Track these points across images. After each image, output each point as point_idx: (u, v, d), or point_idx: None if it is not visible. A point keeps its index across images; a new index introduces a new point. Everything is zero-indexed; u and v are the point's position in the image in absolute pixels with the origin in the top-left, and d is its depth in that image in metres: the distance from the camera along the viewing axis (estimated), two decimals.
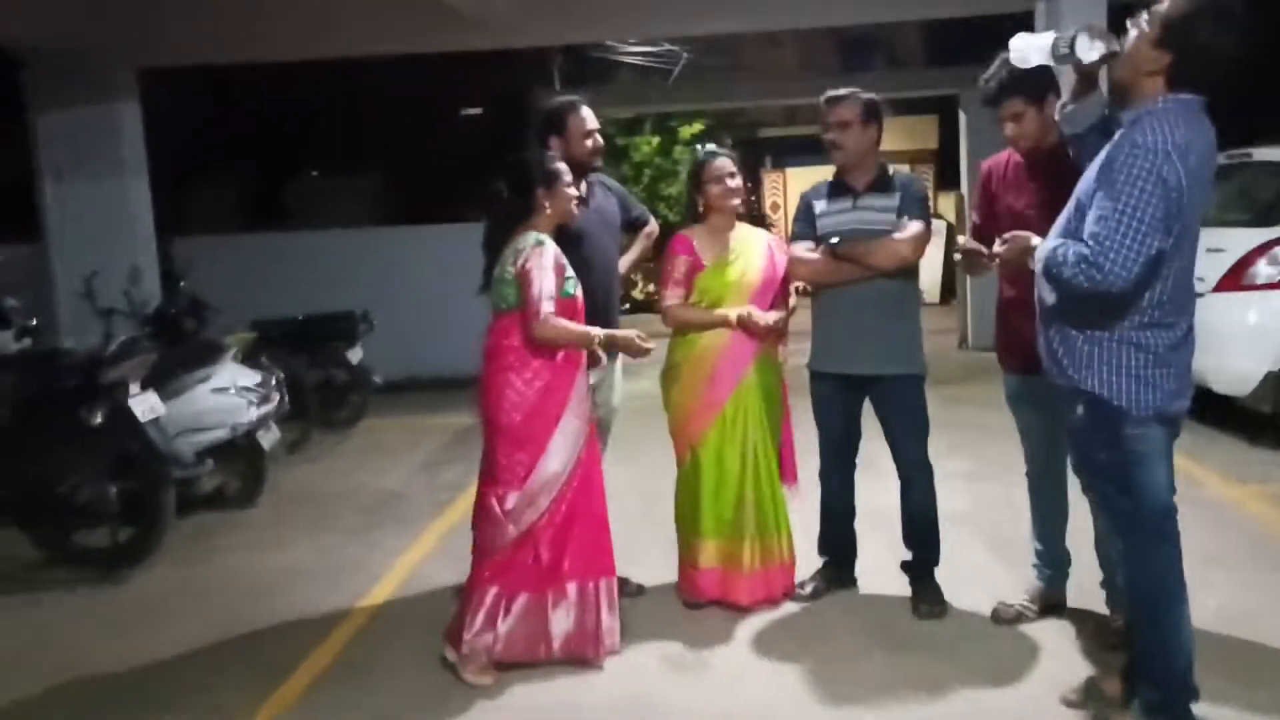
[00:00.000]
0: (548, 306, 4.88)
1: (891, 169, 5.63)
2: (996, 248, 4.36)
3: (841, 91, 5.54)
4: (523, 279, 4.91)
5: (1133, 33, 3.97)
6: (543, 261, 4.92)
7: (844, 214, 5.50)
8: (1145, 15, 3.94)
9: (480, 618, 4.98)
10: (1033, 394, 5.08)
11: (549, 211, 5.10)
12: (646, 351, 5.14)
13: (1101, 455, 4.09)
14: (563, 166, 5.16)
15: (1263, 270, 8.07)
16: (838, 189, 5.60)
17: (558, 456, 4.99)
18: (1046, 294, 4.17)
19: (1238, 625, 5.10)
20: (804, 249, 5.59)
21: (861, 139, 5.48)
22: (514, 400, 4.97)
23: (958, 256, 5.13)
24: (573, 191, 5.21)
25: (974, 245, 5.02)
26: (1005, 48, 4.68)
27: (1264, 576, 5.76)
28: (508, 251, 5.03)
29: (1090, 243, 3.80)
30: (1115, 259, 3.74)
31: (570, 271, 5.07)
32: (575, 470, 5.05)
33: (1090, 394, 4.03)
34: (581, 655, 5.08)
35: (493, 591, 5.00)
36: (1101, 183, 3.86)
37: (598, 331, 5.10)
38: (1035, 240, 4.12)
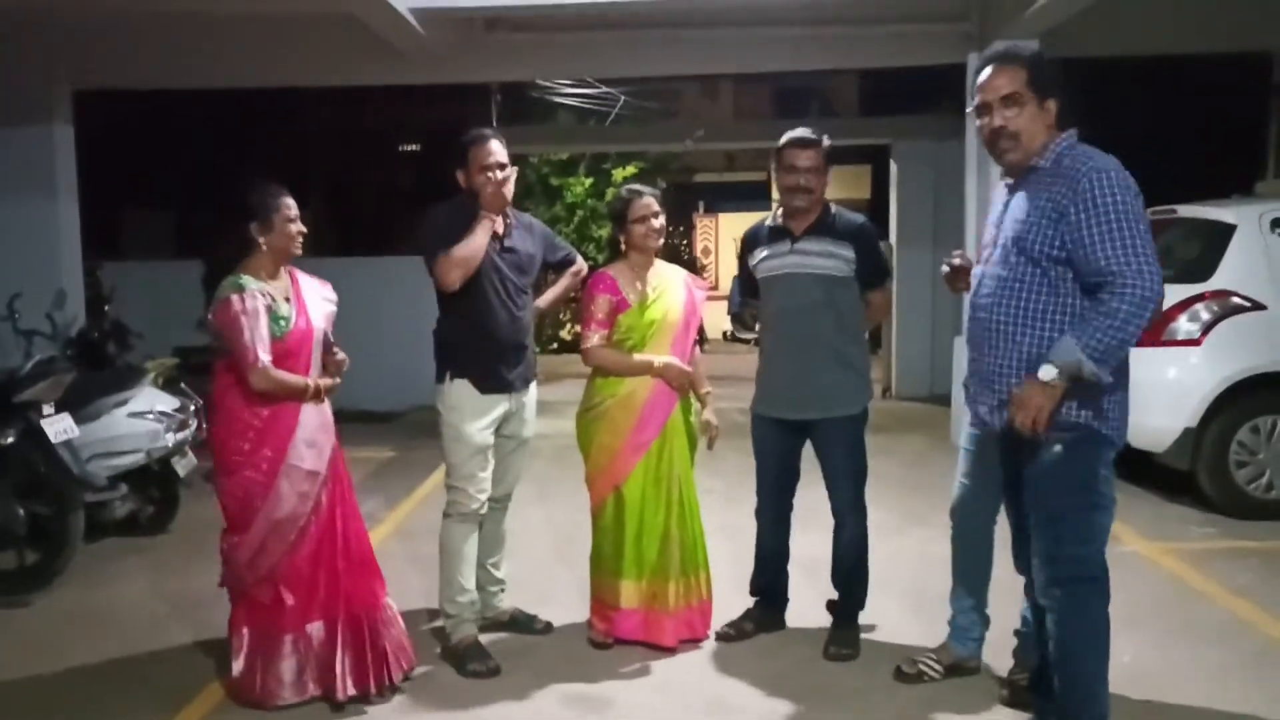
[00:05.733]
0: (264, 356, 4.73)
1: (834, 209, 5.57)
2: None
3: (808, 134, 5.47)
4: (227, 329, 4.74)
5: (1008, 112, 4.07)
6: (246, 306, 4.72)
7: (780, 258, 5.48)
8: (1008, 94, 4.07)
9: (243, 658, 4.94)
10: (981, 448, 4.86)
11: (265, 248, 4.91)
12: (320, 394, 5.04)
13: (1066, 499, 4.04)
14: (285, 200, 4.97)
15: (1183, 326, 8.08)
16: (777, 232, 5.56)
17: (285, 503, 4.86)
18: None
19: (1149, 682, 5.09)
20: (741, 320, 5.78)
21: (823, 184, 5.47)
22: (234, 446, 4.90)
23: (945, 270, 4.75)
24: (296, 227, 4.99)
25: (964, 262, 4.72)
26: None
27: (1176, 634, 5.77)
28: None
29: (1129, 278, 3.78)
30: (1152, 272, 3.78)
31: (283, 311, 4.90)
32: (313, 513, 4.94)
33: (1076, 425, 3.99)
34: (367, 689, 4.97)
35: (248, 633, 4.96)
36: (1084, 216, 3.86)
37: (311, 381, 5.03)
38: (1043, 373, 3.93)
